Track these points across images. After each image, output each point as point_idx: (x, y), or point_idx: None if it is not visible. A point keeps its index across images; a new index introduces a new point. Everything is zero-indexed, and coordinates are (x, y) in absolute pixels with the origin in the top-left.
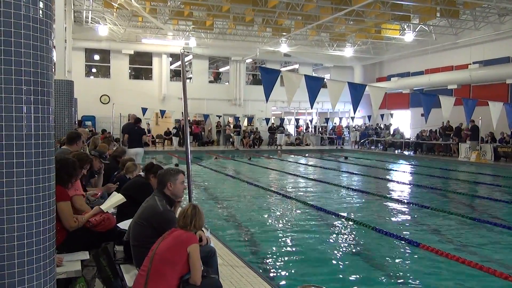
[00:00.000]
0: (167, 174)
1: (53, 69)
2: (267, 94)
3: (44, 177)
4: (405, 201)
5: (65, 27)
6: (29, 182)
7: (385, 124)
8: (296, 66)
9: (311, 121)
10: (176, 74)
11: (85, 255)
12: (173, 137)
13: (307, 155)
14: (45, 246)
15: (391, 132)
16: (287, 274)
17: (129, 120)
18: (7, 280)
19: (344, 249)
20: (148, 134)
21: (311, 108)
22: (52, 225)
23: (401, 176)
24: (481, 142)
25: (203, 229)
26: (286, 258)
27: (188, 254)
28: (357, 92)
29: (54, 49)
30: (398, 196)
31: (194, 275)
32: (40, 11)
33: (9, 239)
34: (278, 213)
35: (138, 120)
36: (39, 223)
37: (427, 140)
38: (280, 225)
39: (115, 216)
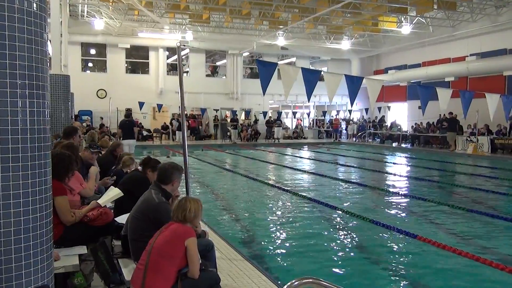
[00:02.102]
0: (175, 172)
1: (49, 64)
2: (264, 88)
3: (40, 171)
4: (401, 193)
5: (61, 21)
6: (25, 176)
7: (382, 116)
8: (293, 59)
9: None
10: (173, 68)
11: (83, 250)
12: (176, 131)
13: (301, 148)
14: (43, 241)
15: (388, 125)
16: (284, 267)
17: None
18: (4, 275)
19: (341, 241)
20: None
21: (308, 101)
22: (49, 220)
23: (397, 169)
24: (477, 134)
25: (200, 222)
26: (283, 251)
27: (185, 248)
28: (354, 85)
29: (49, 43)
30: (394, 188)
31: (192, 268)
32: (34, 4)
33: (6, 234)
34: (273, 205)
35: (128, 114)
36: (36, 217)
37: (425, 133)
38: (276, 218)
39: (112, 211)
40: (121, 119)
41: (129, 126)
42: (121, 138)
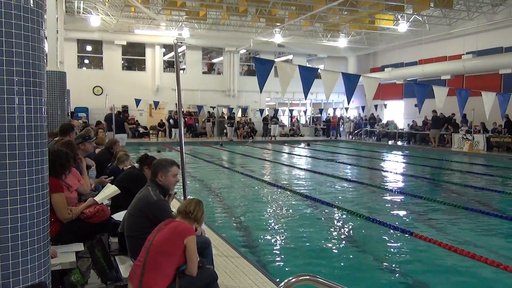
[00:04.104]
0: (159, 165)
1: (45, 60)
2: (261, 85)
3: (37, 168)
4: (397, 190)
5: (57, 18)
6: (22, 173)
7: (376, 114)
8: (290, 56)
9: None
10: (169, 65)
11: (80, 247)
12: (172, 129)
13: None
14: (39, 238)
15: (384, 123)
16: (281, 264)
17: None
18: (1, 272)
19: (338, 238)
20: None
21: (305, 99)
22: (46, 217)
23: (392, 166)
24: (473, 132)
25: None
26: (280, 248)
27: (184, 246)
28: (351, 83)
29: (46, 40)
30: (389, 185)
31: (191, 266)
32: (31, 1)
33: (3, 231)
34: (269, 202)
35: (120, 111)
36: (33, 215)
37: (421, 131)
38: (273, 215)
39: (109, 208)
40: (107, 114)
41: (121, 122)
42: (114, 132)
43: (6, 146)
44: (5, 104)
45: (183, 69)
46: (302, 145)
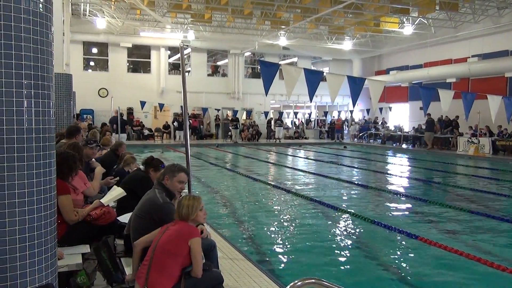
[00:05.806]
0: (168, 168)
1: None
2: (267, 88)
3: (45, 171)
4: (402, 194)
5: (63, 20)
6: (30, 176)
7: (379, 118)
8: (295, 59)
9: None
10: (174, 67)
11: (86, 248)
12: (177, 131)
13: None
14: (47, 240)
15: (390, 127)
16: (286, 267)
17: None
18: (9, 274)
19: (343, 241)
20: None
21: (310, 102)
22: (53, 219)
23: (398, 169)
24: (479, 135)
25: (204, 224)
26: (285, 251)
27: (189, 247)
28: (356, 86)
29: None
30: (395, 189)
31: (195, 267)
32: (40, 5)
33: (11, 232)
34: (274, 205)
35: (121, 114)
36: (41, 216)
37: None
38: (278, 217)
39: (115, 210)
40: (111, 117)
41: (122, 123)
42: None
43: (15, 148)
44: (14, 107)
45: (188, 71)
46: (307, 147)
